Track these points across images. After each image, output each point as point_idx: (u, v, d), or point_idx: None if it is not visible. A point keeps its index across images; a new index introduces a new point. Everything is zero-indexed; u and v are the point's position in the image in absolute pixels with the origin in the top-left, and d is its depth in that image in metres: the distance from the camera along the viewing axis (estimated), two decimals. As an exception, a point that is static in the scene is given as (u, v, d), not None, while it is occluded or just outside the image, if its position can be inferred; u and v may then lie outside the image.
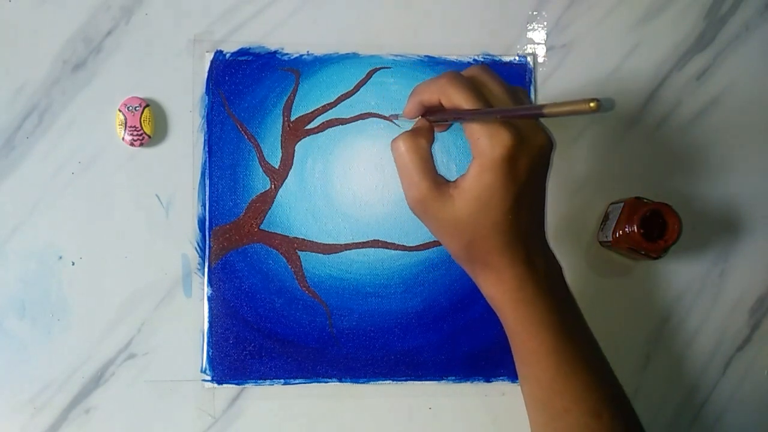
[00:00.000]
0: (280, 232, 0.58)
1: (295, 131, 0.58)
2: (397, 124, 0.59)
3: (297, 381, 0.57)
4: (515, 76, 0.59)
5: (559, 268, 0.50)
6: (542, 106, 0.41)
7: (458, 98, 0.45)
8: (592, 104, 0.39)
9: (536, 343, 0.47)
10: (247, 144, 0.58)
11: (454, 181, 0.46)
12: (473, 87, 0.46)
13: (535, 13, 0.60)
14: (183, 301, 0.57)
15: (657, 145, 0.60)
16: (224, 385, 0.57)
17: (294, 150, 0.58)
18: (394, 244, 0.58)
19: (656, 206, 0.54)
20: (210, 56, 0.58)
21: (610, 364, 0.49)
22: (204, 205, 0.57)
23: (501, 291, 0.48)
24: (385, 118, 0.58)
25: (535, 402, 0.49)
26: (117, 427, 0.56)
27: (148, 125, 0.57)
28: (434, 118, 0.47)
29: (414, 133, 0.47)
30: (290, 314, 0.57)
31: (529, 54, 0.60)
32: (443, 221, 0.47)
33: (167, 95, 0.58)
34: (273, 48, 0.59)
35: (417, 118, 0.49)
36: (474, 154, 0.45)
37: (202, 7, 0.59)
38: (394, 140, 0.47)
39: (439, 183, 0.46)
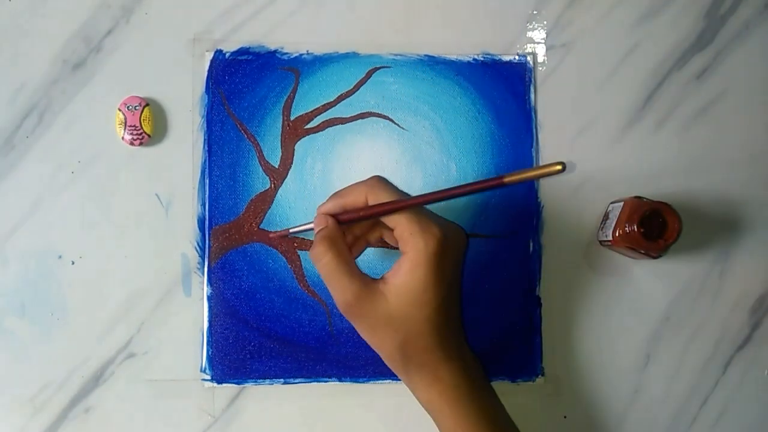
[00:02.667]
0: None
1: (295, 130, 0.58)
2: (398, 124, 0.59)
3: (297, 380, 0.57)
4: (515, 75, 0.59)
5: (481, 364, 0.51)
6: (501, 176, 0.44)
7: (386, 196, 0.47)
8: (558, 167, 0.41)
9: None
10: (246, 143, 0.58)
11: (382, 278, 0.47)
12: (397, 189, 0.48)
13: (535, 12, 0.60)
14: (183, 301, 0.57)
15: (657, 145, 0.60)
16: (224, 385, 0.57)
17: (294, 149, 0.58)
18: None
19: (656, 205, 0.54)
20: (210, 55, 0.58)
21: None
22: (204, 205, 0.57)
23: (438, 391, 0.48)
24: (282, 233, 0.56)
25: None
26: (116, 427, 0.56)
27: (148, 124, 0.57)
28: (354, 217, 0.48)
29: (334, 240, 0.48)
30: (290, 314, 0.57)
31: (529, 53, 0.60)
32: (376, 320, 0.47)
33: (167, 94, 0.58)
34: (273, 47, 0.59)
35: (324, 223, 0.49)
36: (404, 250, 0.47)
37: (202, 6, 0.59)
38: (313, 252, 0.48)
39: (368, 281, 0.47)
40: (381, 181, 0.49)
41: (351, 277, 0.47)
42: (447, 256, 0.47)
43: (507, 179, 0.43)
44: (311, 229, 0.51)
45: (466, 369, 0.49)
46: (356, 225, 0.50)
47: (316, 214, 0.50)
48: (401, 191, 0.49)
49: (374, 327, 0.48)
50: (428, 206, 0.50)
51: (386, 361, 0.49)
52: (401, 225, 0.47)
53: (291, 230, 0.55)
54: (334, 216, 0.49)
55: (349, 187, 0.49)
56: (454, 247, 0.48)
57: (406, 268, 0.46)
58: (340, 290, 0.47)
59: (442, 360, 0.48)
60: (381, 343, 0.48)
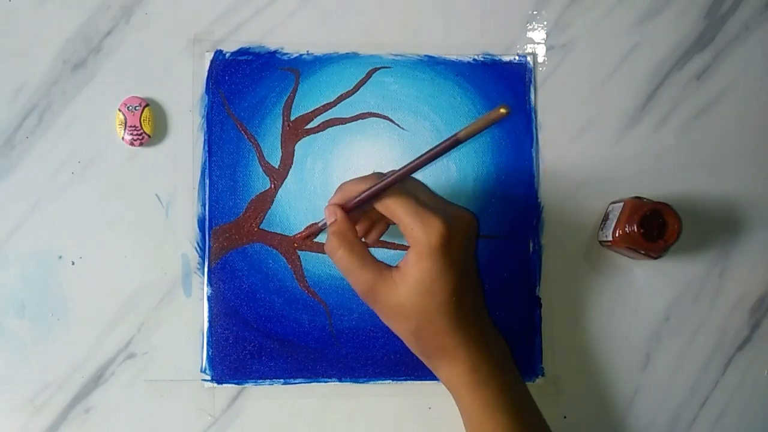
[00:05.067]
0: (279, 232, 0.58)
1: (295, 131, 0.58)
2: (398, 125, 0.59)
3: (297, 381, 0.57)
4: (515, 75, 0.59)
5: (507, 347, 0.52)
6: (455, 134, 0.44)
7: (380, 185, 0.48)
8: (502, 110, 0.42)
9: (492, 424, 0.49)
10: (246, 143, 0.58)
11: (396, 266, 0.49)
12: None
13: (535, 12, 0.60)
14: (183, 301, 0.57)
15: (657, 145, 0.60)
16: (224, 385, 0.57)
17: (294, 149, 0.58)
18: (393, 243, 0.58)
19: (656, 206, 0.54)
20: (210, 56, 0.58)
21: None
22: (204, 205, 0.57)
23: (456, 373, 0.49)
24: (310, 230, 0.56)
25: None
26: (117, 427, 0.56)
27: (148, 125, 0.57)
28: (354, 203, 0.49)
29: (343, 234, 0.49)
30: (290, 314, 0.57)
31: (529, 54, 0.60)
32: (390, 307, 0.48)
33: (167, 95, 0.58)
34: (273, 47, 0.59)
35: (333, 216, 0.50)
36: (410, 243, 0.48)
37: (202, 6, 0.59)
38: (329, 247, 0.49)
39: (382, 269, 0.48)
40: (377, 174, 0.50)
41: (364, 268, 0.48)
42: (452, 244, 0.47)
43: (461, 134, 0.44)
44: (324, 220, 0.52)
45: (486, 352, 0.49)
46: (372, 210, 0.50)
47: (326, 207, 0.51)
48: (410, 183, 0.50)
49: (389, 314, 0.49)
50: (439, 192, 0.51)
51: (407, 345, 0.50)
52: (403, 220, 0.47)
53: (318, 225, 0.55)
54: (342, 207, 0.50)
55: (351, 180, 0.50)
56: (460, 234, 0.48)
57: (412, 260, 0.47)
58: (355, 281, 0.49)
59: (460, 344, 0.48)
60: (397, 328, 0.50)
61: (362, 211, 0.51)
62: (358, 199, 0.49)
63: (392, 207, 0.48)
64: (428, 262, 0.47)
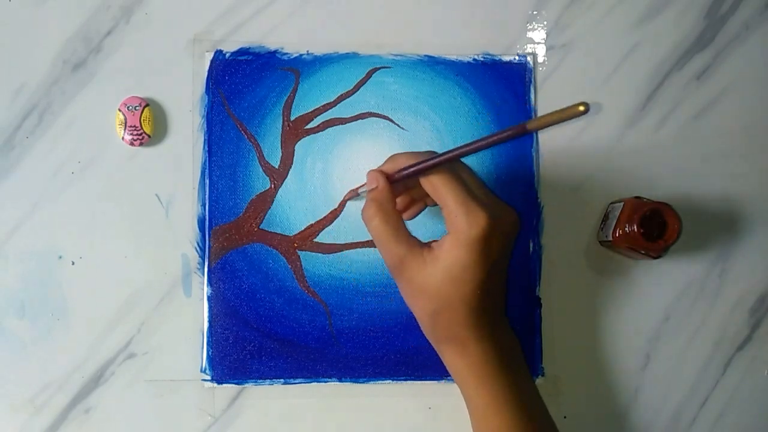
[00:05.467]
0: (280, 232, 0.58)
1: (295, 131, 0.58)
2: (398, 125, 0.59)
3: (297, 381, 0.57)
4: (515, 75, 0.59)
5: (519, 345, 0.52)
6: (524, 122, 0.43)
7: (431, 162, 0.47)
8: (581, 107, 0.40)
9: (498, 420, 0.49)
10: (246, 143, 0.58)
11: (429, 246, 0.48)
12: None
13: (534, 12, 0.60)
14: (183, 301, 0.57)
15: (657, 145, 0.60)
16: (224, 385, 0.57)
17: (294, 149, 0.58)
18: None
19: (656, 206, 0.54)
20: (210, 56, 0.58)
21: None
22: (204, 205, 0.57)
23: (465, 365, 0.49)
24: (352, 194, 0.55)
25: None
26: (117, 427, 0.56)
27: (148, 125, 0.57)
28: (401, 175, 0.49)
29: (382, 204, 0.49)
30: (290, 314, 0.57)
31: (529, 54, 0.60)
32: (414, 285, 0.48)
33: (167, 95, 0.58)
34: (273, 47, 0.59)
35: (375, 182, 0.50)
36: (449, 229, 0.47)
37: (202, 6, 0.59)
38: (365, 214, 0.49)
39: (414, 246, 0.48)
40: (433, 153, 0.49)
41: (397, 241, 0.48)
42: (492, 240, 0.47)
43: (530, 125, 0.43)
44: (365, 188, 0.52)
45: (497, 349, 0.49)
46: (414, 188, 0.50)
47: (369, 172, 0.51)
48: (460, 167, 0.49)
49: (413, 292, 0.49)
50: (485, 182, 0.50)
51: (420, 325, 0.50)
52: (448, 205, 0.47)
53: (357, 190, 0.54)
54: (387, 176, 0.49)
55: (407, 153, 0.50)
56: (502, 232, 0.48)
57: (447, 246, 0.47)
58: (386, 253, 0.49)
59: (472, 338, 0.48)
60: (415, 307, 0.49)
61: (406, 185, 0.51)
62: (406, 172, 0.48)
63: (439, 187, 0.47)
64: (463, 252, 0.46)
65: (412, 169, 0.48)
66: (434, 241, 0.48)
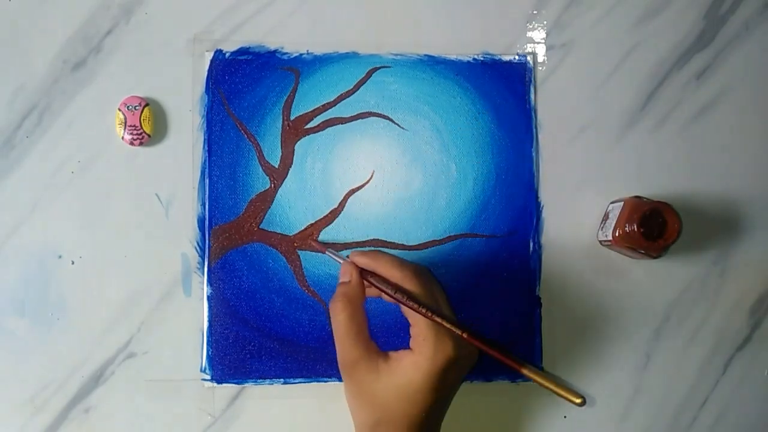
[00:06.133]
0: (279, 231, 0.58)
1: (295, 130, 0.58)
2: (398, 124, 0.59)
3: (297, 380, 0.57)
4: (515, 75, 0.59)
5: None
6: (522, 363, 0.47)
7: (418, 292, 0.48)
8: (578, 400, 0.45)
9: None
10: (246, 143, 0.58)
11: (387, 355, 0.48)
12: (434, 291, 0.50)
13: (534, 12, 0.60)
14: (183, 301, 0.57)
15: (657, 144, 0.60)
16: (224, 385, 0.57)
17: (294, 149, 0.58)
18: (393, 243, 0.58)
19: (656, 205, 0.54)
20: (210, 55, 0.58)
21: None
22: (204, 205, 0.57)
23: None
24: (321, 249, 0.56)
25: None
26: (116, 427, 0.56)
27: (148, 124, 0.57)
28: (377, 285, 0.50)
29: (351, 300, 0.49)
30: (290, 313, 0.57)
31: (529, 53, 0.60)
32: (362, 390, 0.48)
33: (167, 94, 0.58)
34: (273, 47, 0.59)
35: (348, 276, 0.51)
36: (414, 347, 0.48)
37: (202, 6, 0.59)
38: (333, 307, 0.50)
39: (371, 351, 0.48)
40: (422, 277, 0.50)
41: (356, 342, 0.48)
42: (450, 372, 0.48)
43: (525, 370, 0.47)
44: (342, 260, 0.53)
45: None
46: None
47: (348, 259, 0.52)
48: (439, 291, 0.50)
49: (358, 396, 0.49)
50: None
51: (357, 428, 0.50)
52: (419, 326, 0.48)
53: (328, 251, 0.55)
54: (362, 271, 0.51)
55: (391, 257, 0.51)
56: (460, 367, 0.49)
57: (407, 364, 0.47)
58: (342, 350, 0.49)
59: None
60: (356, 413, 0.49)
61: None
62: (381, 287, 0.49)
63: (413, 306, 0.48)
64: (420, 376, 0.47)
65: (390, 292, 0.49)
66: (393, 351, 0.49)
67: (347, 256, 0.53)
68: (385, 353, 0.49)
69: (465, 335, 0.48)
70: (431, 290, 0.50)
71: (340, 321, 0.49)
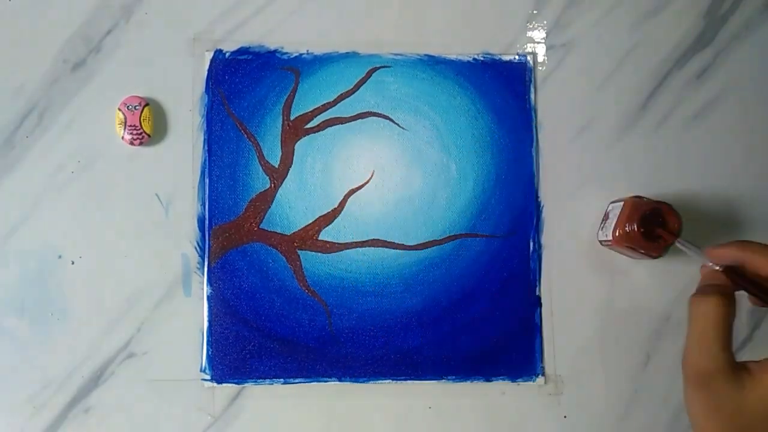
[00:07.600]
0: (279, 231, 0.58)
1: (295, 130, 0.58)
2: (398, 124, 0.59)
3: (297, 380, 0.57)
4: (515, 75, 0.59)
5: None
6: None
7: None
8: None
9: None
10: (246, 143, 0.58)
11: (749, 367, 0.40)
12: None
13: (535, 12, 0.60)
14: (183, 301, 0.57)
15: (657, 144, 0.60)
16: (224, 385, 0.57)
17: (294, 149, 0.58)
18: (393, 243, 0.58)
19: (656, 205, 0.54)
20: (210, 55, 0.58)
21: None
22: (204, 204, 0.57)
23: None
24: (688, 248, 0.49)
25: None
26: (116, 427, 0.56)
27: (148, 124, 0.57)
28: (745, 285, 0.43)
29: (728, 299, 0.41)
30: (290, 313, 0.57)
31: (529, 53, 0.60)
32: (721, 406, 0.40)
33: (167, 94, 0.58)
34: (273, 47, 0.59)
35: (716, 271, 0.44)
36: None
37: (202, 6, 0.59)
38: (703, 298, 0.41)
39: (734, 363, 0.41)
40: None
41: (724, 346, 0.41)
42: None
43: None
44: (699, 257, 0.47)
45: None
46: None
47: (712, 256, 0.45)
48: None
49: (716, 410, 0.41)
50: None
51: None
52: None
53: (678, 242, 0.51)
54: (731, 269, 0.44)
55: (760, 245, 0.43)
56: None
57: None
58: (701, 352, 0.41)
59: None
60: (709, 428, 0.41)
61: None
62: (755, 293, 0.42)
63: None
64: None
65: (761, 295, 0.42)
66: (752, 362, 0.41)
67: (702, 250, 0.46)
68: (743, 363, 0.41)
69: None
70: None
71: (712, 320, 0.41)
